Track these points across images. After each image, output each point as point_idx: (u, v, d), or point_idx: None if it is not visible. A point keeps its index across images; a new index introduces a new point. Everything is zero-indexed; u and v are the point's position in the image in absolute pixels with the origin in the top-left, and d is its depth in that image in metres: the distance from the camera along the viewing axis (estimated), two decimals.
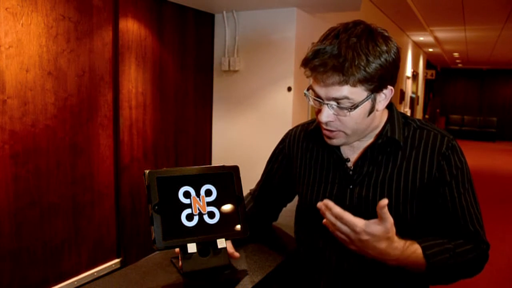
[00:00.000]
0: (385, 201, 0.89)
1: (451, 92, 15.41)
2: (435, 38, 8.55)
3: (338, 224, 0.93)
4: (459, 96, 15.32)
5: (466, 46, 9.56)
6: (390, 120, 1.09)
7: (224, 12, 3.57)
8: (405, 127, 1.09)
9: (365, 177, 1.07)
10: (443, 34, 8.08)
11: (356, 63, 0.92)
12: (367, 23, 0.99)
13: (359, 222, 0.92)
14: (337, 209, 0.93)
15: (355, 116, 1.00)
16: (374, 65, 0.94)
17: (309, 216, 1.18)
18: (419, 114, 11.42)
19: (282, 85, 3.49)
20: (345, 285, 1.10)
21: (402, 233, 1.06)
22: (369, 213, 1.06)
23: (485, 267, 1.04)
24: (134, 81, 2.98)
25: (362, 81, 0.95)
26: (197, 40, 3.57)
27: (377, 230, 0.91)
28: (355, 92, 0.96)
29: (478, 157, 10.12)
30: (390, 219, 0.91)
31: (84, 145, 2.67)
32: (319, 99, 1.00)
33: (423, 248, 0.97)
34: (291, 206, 1.35)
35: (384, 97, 1.03)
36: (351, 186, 1.09)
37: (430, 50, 10.58)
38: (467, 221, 1.03)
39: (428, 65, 13.24)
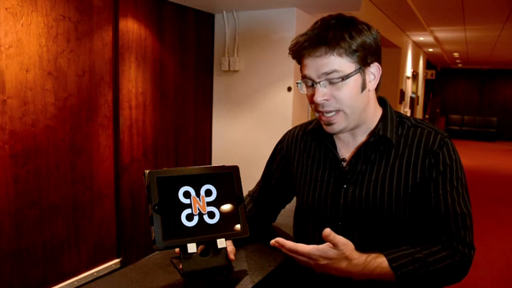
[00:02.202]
0: (327, 231, 0.91)
1: (451, 92, 15.40)
2: (435, 38, 8.54)
3: (295, 256, 0.96)
4: (459, 96, 15.32)
5: (466, 46, 9.56)
6: (383, 118, 1.10)
7: (224, 12, 3.57)
8: (399, 126, 1.10)
9: (358, 175, 1.08)
10: (443, 34, 8.08)
11: (338, 34, 0.99)
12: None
13: (313, 251, 0.94)
14: (289, 244, 0.95)
15: (349, 90, 1.02)
16: (356, 37, 1.00)
17: (307, 216, 1.18)
18: (419, 114, 11.42)
19: (282, 85, 3.49)
20: (344, 285, 1.10)
21: (396, 232, 1.06)
22: (363, 211, 1.07)
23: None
24: (134, 81, 2.98)
25: (347, 52, 1.00)
26: (197, 40, 3.57)
27: (332, 254, 0.93)
28: (343, 64, 1.00)
29: (478, 157, 10.12)
30: (340, 241, 0.93)
31: (84, 145, 2.67)
32: (311, 81, 1.04)
33: (389, 261, 0.96)
34: (291, 206, 1.36)
35: (373, 77, 1.07)
36: (345, 185, 1.09)
37: (430, 50, 10.57)
38: (450, 221, 1.00)
39: (428, 65, 13.23)
